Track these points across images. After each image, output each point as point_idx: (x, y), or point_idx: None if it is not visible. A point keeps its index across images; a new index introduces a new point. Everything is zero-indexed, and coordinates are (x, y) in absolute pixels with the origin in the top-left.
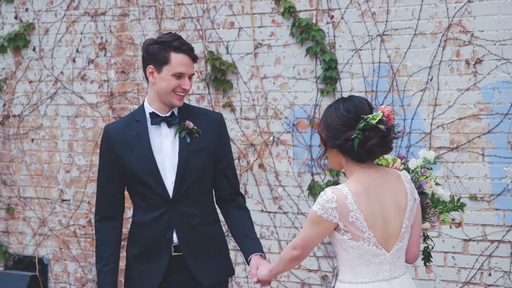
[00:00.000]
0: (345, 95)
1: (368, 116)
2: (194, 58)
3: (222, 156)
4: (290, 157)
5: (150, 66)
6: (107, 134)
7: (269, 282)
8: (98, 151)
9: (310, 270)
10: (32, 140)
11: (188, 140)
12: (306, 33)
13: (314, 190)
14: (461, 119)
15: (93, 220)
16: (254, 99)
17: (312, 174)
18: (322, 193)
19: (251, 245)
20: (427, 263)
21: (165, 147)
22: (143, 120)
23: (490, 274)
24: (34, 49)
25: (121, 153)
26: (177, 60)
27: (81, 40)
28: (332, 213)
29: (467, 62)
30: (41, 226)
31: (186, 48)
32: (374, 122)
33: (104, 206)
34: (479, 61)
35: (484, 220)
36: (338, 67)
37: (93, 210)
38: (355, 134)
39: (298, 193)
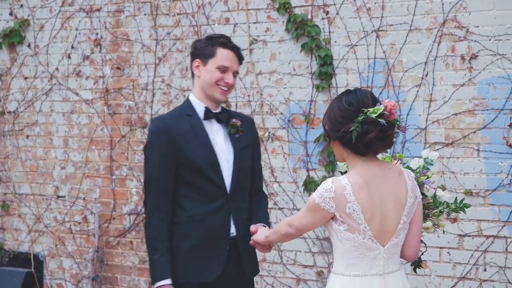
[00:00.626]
0: (341, 91)
1: (369, 109)
2: (240, 57)
3: (257, 155)
4: (285, 153)
5: (196, 60)
6: (164, 126)
7: (267, 248)
8: (93, 147)
9: (305, 266)
10: (27, 136)
11: (237, 137)
12: (302, 29)
13: (309, 186)
14: (456, 114)
15: (88, 217)
16: (249, 95)
17: (308, 170)
18: (323, 181)
19: (258, 220)
20: (417, 268)
21: (219, 142)
22: (195, 115)
23: (485, 270)
24: (29, 46)
25: (181, 145)
26: (223, 54)
27: (76, 36)
28: (329, 203)
29: (462, 58)
30: (36, 222)
31: (232, 45)
32: (374, 115)
33: (158, 199)
34: (474, 57)
35: (480, 216)
36: (334, 63)
37: (89, 206)
38: (353, 127)
39: (293, 189)
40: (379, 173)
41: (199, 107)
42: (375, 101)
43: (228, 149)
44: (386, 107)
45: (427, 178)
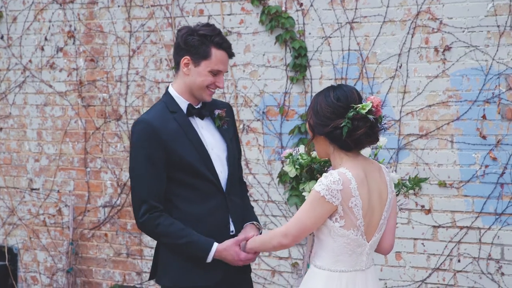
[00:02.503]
0: (315, 83)
1: (358, 105)
2: (232, 55)
3: (238, 143)
4: (260, 145)
5: (186, 57)
6: (151, 126)
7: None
8: (67, 139)
9: (280, 258)
10: (1, 129)
11: (225, 128)
12: (276, 21)
13: (284, 178)
14: (430, 106)
15: (62, 209)
16: (224, 87)
17: (282, 162)
18: (326, 174)
19: (247, 215)
20: None
21: (207, 137)
22: (180, 111)
23: (459, 260)
24: (2, 38)
25: (173, 146)
26: (217, 57)
27: (49, 28)
28: (336, 195)
29: (436, 49)
30: (10, 215)
31: (226, 46)
32: (363, 111)
33: (157, 201)
34: (448, 48)
35: (453, 207)
36: (308, 55)
37: (63, 199)
38: (344, 123)
39: (268, 181)
40: (368, 168)
41: (182, 103)
42: (360, 97)
43: (218, 143)
44: (373, 103)
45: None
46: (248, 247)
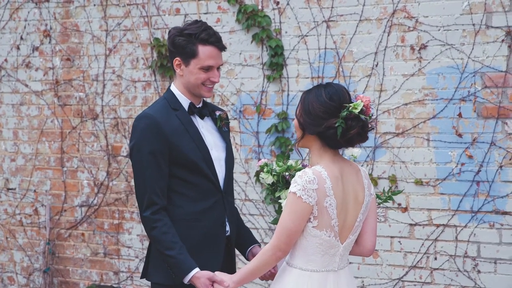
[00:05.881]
0: (292, 81)
1: (350, 105)
2: (222, 48)
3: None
4: (237, 144)
5: (177, 58)
6: (155, 121)
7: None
8: (44, 139)
9: None
10: None
11: (226, 130)
12: (252, 20)
13: None
14: (406, 104)
15: (39, 209)
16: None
17: (259, 161)
18: (300, 174)
19: (248, 238)
20: None
21: (207, 136)
22: (182, 109)
23: (436, 258)
24: None
25: (175, 142)
26: (205, 53)
27: (25, 27)
28: (312, 195)
29: (412, 48)
30: None
31: (214, 40)
32: (356, 111)
33: (157, 197)
34: (423, 47)
35: (430, 205)
36: (285, 53)
37: (39, 198)
38: (338, 123)
39: (245, 180)
40: (345, 169)
41: (184, 101)
42: (349, 96)
43: (217, 143)
44: (363, 102)
45: None
46: (235, 280)
